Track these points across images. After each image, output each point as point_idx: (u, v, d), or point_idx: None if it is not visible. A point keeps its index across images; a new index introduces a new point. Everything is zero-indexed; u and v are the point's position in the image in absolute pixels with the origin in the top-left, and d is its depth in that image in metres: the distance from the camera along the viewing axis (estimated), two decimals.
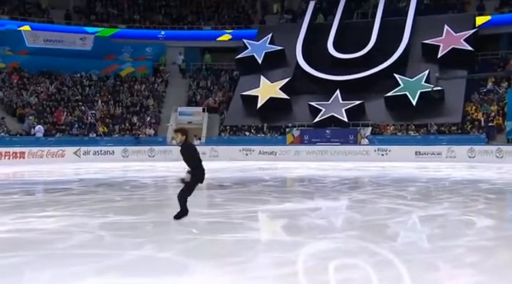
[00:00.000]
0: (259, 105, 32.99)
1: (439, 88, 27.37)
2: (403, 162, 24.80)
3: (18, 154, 26.26)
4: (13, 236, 7.06)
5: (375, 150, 28.64)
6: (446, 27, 32.49)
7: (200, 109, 35.24)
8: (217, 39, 40.59)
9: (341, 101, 31.55)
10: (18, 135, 29.46)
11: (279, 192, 13.22)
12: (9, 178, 18.97)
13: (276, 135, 32.55)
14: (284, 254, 6.00)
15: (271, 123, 33.09)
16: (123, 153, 30.18)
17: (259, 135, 32.77)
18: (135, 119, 34.71)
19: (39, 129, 29.62)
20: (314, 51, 34.34)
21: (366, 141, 29.95)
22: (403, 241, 7.06)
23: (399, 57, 32.67)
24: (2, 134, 28.71)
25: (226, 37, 40.46)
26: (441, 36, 32.35)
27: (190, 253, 6.12)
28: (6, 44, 36.40)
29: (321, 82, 32.88)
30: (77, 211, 9.32)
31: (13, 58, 36.23)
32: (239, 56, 35.89)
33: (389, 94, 30.98)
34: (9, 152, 25.94)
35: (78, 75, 37.27)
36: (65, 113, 33.35)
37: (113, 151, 29.99)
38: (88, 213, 8.96)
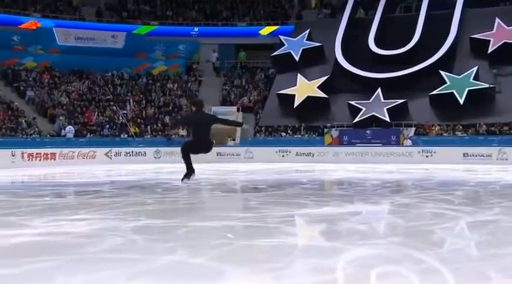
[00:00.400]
0: (296, 104, 32.97)
1: (495, 85, 26.88)
2: (450, 165, 24.39)
3: (49, 156, 26.90)
4: (44, 239, 7.22)
5: (418, 152, 28.28)
6: (497, 20, 31.87)
7: (234, 109, 35.41)
8: (255, 35, 40.67)
9: (383, 100, 31.28)
10: (49, 136, 30.15)
11: (317, 195, 13.16)
12: (40, 180, 19.43)
13: (313, 135, 32.48)
14: (322, 260, 5.97)
15: (308, 123, 33.02)
16: (155, 154, 30.55)
17: (296, 136, 32.74)
18: (167, 119, 35.10)
19: (69, 130, 30.23)
20: (354, 47, 34.13)
21: (409, 142, 29.59)
22: (450, 248, 6.94)
23: (445, 53, 32.20)
24: (33, 135, 29.43)
25: (267, 30, 40.46)
26: (492, 30, 31.75)
27: (224, 258, 6.14)
28: (38, 42, 37.33)
29: (361, 80, 32.66)
30: (108, 214, 9.47)
31: (44, 57, 37.11)
32: (275, 53, 35.93)
33: (434, 92, 30.55)
34: (40, 153, 26.59)
35: (110, 73, 37.92)
36: (96, 113, 33.97)
37: (145, 153, 30.42)
38: (120, 216, 9.10)
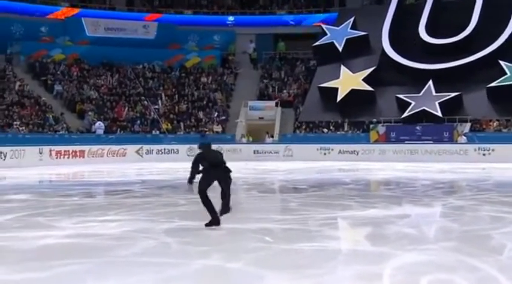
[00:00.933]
0: (339, 98, 32.75)
1: None
2: (509, 163, 23.89)
3: (77, 153, 27.33)
4: (73, 241, 7.38)
5: (474, 149, 27.76)
6: None
7: (273, 103, 35.39)
8: (294, 24, 40.61)
9: (434, 93, 30.81)
10: (77, 132, 30.60)
11: (362, 197, 13.09)
12: (69, 179, 19.84)
13: (358, 132, 32.21)
14: (368, 266, 5.95)
15: (352, 119, 32.77)
16: (189, 152, 30.77)
17: (338, 132, 32.53)
18: (201, 115, 35.33)
19: (99, 126, 30.55)
20: (403, 36, 33.69)
21: (463, 138, 29.07)
22: (509, 254, 6.81)
23: (505, 41, 31.44)
24: (61, 131, 29.89)
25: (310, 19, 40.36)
26: None
27: (262, 263, 6.17)
28: (66, 33, 37.90)
29: (410, 71, 32.23)
30: (140, 215, 9.62)
31: (73, 48, 37.70)
32: (317, 43, 35.75)
33: (492, 84, 29.93)
34: (68, 151, 27.03)
35: (140, 66, 38.31)
36: (127, 108, 34.38)
37: (178, 150, 30.67)
38: (152, 218, 9.23)
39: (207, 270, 5.95)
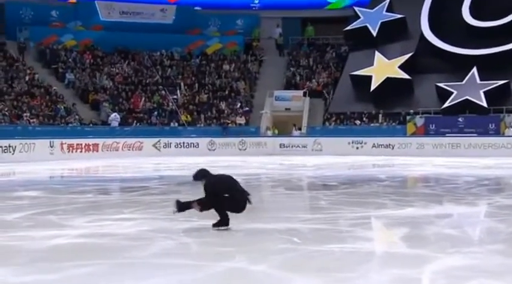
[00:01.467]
0: (373, 87, 32.59)
1: None
2: None
3: (91, 147, 27.59)
4: (87, 241, 7.46)
5: None
6: None
7: (300, 93, 35.33)
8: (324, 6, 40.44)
9: (479, 81, 30.48)
10: (91, 125, 30.83)
11: (398, 194, 13.05)
12: (82, 174, 20.05)
13: (393, 124, 32.03)
14: (405, 270, 5.92)
15: (387, 110, 32.59)
16: (209, 146, 30.92)
17: (372, 125, 32.40)
18: (223, 105, 35.40)
19: (115, 117, 30.76)
20: (444, 19, 33.35)
21: (511, 131, 28.80)
22: None
23: None
24: (73, 123, 30.13)
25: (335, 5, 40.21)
26: None
27: (290, 265, 6.17)
28: (78, 17, 38.08)
29: (452, 58, 31.91)
30: (157, 213, 9.69)
31: (85, 34, 37.93)
32: (349, 28, 35.57)
33: None
34: (81, 144, 27.28)
35: (158, 53, 38.46)
36: (143, 99, 34.57)
37: (198, 144, 30.80)
38: (170, 216, 9.28)
39: (230, 273, 5.97)
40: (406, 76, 32.01)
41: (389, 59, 32.90)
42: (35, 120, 28.90)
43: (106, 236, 7.72)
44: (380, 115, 32.59)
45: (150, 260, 6.37)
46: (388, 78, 32.22)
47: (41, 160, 23.79)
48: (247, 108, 35.16)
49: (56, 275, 5.84)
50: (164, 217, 9.17)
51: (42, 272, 5.95)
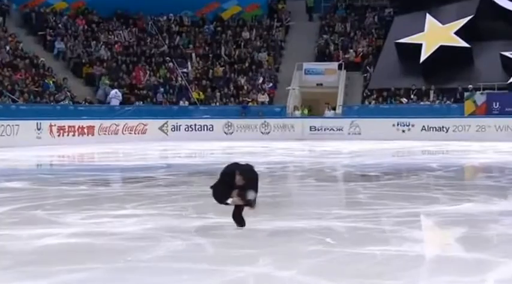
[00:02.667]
0: (423, 57, 32.40)
1: None
2: None
3: (85, 130, 27.76)
4: (81, 241, 7.52)
5: None
6: None
7: (335, 65, 35.24)
8: None
9: None
10: (85, 103, 30.91)
11: (453, 187, 12.98)
12: (75, 163, 20.19)
13: (448, 102, 31.85)
14: (463, 278, 5.90)
15: (441, 85, 32.43)
16: (226, 129, 30.97)
17: (422, 103, 32.23)
18: (242, 81, 35.39)
19: (114, 95, 30.78)
20: None
21: None
22: None
23: None
24: (65, 101, 30.17)
25: None
26: None
27: (322, 271, 6.18)
28: None
29: None
30: (165, 209, 9.74)
31: None
32: None
33: None
34: (73, 127, 27.44)
35: (165, 18, 38.47)
36: (147, 73, 34.65)
37: (212, 126, 30.85)
38: (180, 212, 9.33)
39: (252, 280, 5.99)
40: (464, 44, 31.75)
41: (443, 23, 32.66)
42: (18, 97, 29.00)
43: (104, 236, 7.77)
44: (431, 92, 32.41)
45: (156, 264, 6.40)
46: (441, 46, 31.98)
47: (27, 145, 23.97)
48: (271, 84, 35.14)
49: (44, 281, 5.90)
50: (172, 213, 9.22)
51: (28, 278, 6.00)
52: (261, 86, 34.72)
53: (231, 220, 7.95)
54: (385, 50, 34.67)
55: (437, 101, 32.02)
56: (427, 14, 33.03)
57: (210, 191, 7.91)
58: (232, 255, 6.80)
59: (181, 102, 32.99)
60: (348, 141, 28.26)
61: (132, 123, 29.39)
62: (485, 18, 32.27)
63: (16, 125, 24.99)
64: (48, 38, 34.84)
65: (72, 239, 7.65)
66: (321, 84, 34.58)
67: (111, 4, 37.10)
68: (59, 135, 26.68)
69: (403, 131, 29.76)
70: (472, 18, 32.18)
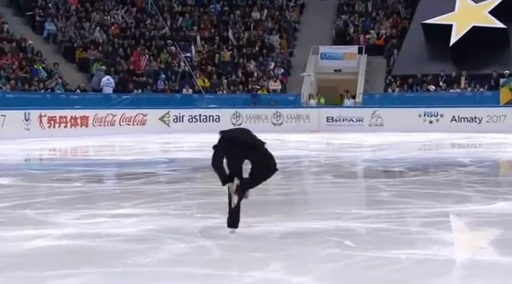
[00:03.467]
0: (453, 40, 32.34)
1: None
2: None
3: (78, 120, 27.80)
4: (75, 244, 7.55)
5: None
6: None
7: (355, 49, 35.21)
8: None
9: None
10: (78, 91, 30.92)
11: (487, 184, 12.95)
12: (67, 157, 20.24)
13: (481, 89, 31.78)
14: None
15: (473, 71, 32.34)
16: (234, 119, 30.99)
17: (452, 91, 32.16)
18: (252, 66, 35.39)
19: (107, 82, 30.79)
20: None
21: None
22: None
23: None
24: (56, 89, 30.16)
25: None
26: None
27: (340, 277, 6.20)
28: None
29: None
30: (166, 208, 9.77)
31: None
32: None
33: None
34: (65, 117, 27.48)
35: None
36: (146, 57, 34.67)
37: (218, 117, 30.89)
38: (183, 212, 9.36)
39: None
40: (500, 24, 31.67)
41: (476, 1, 32.56)
42: (4, 84, 29.01)
43: (99, 238, 7.80)
44: (462, 79, 32.34)
45: (156, 269, 6.43)
46: (474, 27, 31.90)
47: (14, 137, 24.01)
48: (283, 70, 35.13)
49: None
50: (175, 213, 9.24)
51: (17, 282, 6.04)
52: (273, 72, 34.72)
53: (241, 219, 7.96)
54: (411, 32, 34.60)
55: (469, 89, 31.95)
56: None
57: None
58: (240, 259, 6.82)
59: (184, 90, 33.00)
60: (369, 133, 28.22)
61: (130, 113, 29.42)
62: None
63: (2, 115, 25.00)
64: (37, 18, 34.89)
65: (65, 241, 7.68)
66: (339, 70, 34.54)
67: None
68: (49, 126, 26.72)
69: (431, 122, 29.71)
70: None
